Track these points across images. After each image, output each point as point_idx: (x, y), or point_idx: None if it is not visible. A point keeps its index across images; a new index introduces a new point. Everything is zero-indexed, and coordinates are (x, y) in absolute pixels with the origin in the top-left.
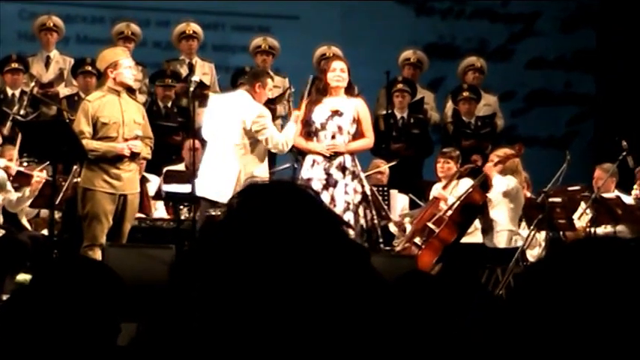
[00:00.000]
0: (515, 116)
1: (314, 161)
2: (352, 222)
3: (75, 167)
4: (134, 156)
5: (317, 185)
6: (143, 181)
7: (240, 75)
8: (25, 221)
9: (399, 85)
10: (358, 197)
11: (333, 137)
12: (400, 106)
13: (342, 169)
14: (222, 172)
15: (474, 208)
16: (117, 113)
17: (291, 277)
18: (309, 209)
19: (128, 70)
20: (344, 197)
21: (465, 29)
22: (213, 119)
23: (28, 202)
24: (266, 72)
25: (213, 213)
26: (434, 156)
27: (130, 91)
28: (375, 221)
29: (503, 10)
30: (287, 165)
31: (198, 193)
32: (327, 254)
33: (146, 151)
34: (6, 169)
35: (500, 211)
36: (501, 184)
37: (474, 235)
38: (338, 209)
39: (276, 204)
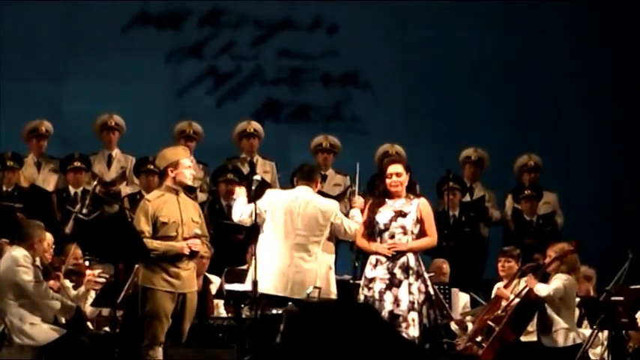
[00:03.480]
0: None
1: (377, 261)
2: (417, 321)
3: (137, 266)
4: (193, 254)
5: (380, 285)
6: (206, 281)
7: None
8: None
9: (450, 183)
10: (422, 297)
11: (392, 238)
12: (451, 204)
13: (406, 268)
14: (299, 268)
15: (532, 305)
16: (176, 212)
17: None
18: (375, 334)
19: (188, 170)
20: (408, 297)
21: None
22: (278, 216)
23: (86, 301)
24: (317, 167)
25: (275, 312)
26: (494, 254)
27: (189, 189)
28: (439, 321)
29: None
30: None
31: (262, 290)
32: None
33: (204, 249)
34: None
35: (557, 310)
36: (549, 288)
37: (533, 335)
38: (402, 309)
39: (340, 328)
